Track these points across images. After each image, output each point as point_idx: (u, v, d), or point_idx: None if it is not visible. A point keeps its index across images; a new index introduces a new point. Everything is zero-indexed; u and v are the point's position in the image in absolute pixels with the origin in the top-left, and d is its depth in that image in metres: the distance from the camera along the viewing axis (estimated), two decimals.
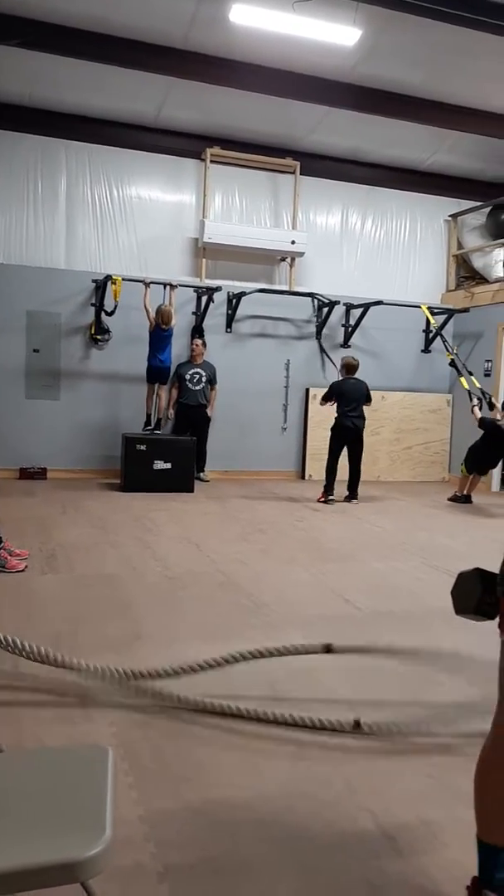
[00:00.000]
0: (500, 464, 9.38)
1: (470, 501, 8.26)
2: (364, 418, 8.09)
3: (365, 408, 8.11)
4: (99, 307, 8.73)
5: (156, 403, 8.66)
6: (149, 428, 8.61)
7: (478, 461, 8.23)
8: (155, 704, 2.85)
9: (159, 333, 8.41)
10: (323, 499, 7.94)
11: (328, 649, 3.14)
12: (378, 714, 2.79)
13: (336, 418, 8.05)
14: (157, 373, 8.53)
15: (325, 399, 8.12)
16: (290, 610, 4.15)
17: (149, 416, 8.63)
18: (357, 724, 2.71)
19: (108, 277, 8.46)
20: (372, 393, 8.25)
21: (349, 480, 8.06)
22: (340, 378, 8.24)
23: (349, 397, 7.98)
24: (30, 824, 1.36)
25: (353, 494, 8.04)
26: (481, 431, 8.11)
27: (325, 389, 8.28)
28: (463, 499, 8.29)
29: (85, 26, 6.89)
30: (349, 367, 8.17)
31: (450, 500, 8.38)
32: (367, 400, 8.10)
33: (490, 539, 6.10)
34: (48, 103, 8.53)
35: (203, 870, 1.93)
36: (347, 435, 7.99)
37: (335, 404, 8.03)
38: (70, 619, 3.81)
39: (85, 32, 6.95)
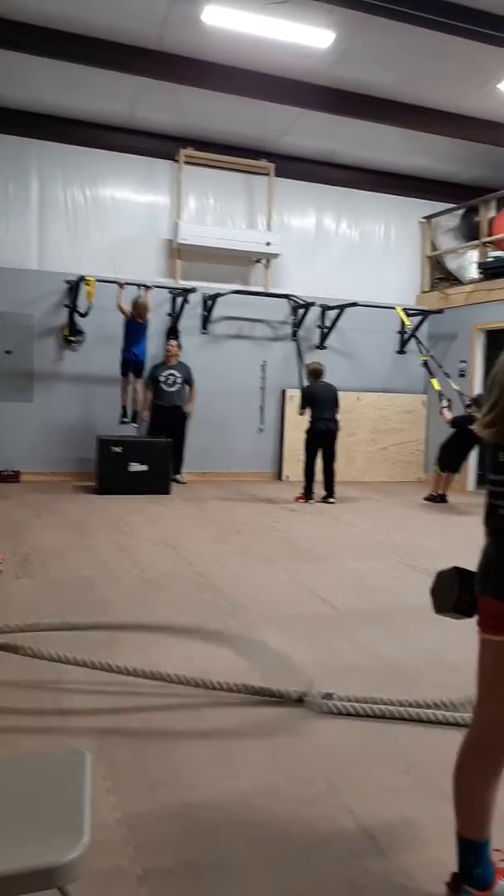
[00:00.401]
0: (476, 464, 9.48)
1: (445, 500, 8.33)
2: (337, 421, 8.13)
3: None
4: (72, 308, 8.67)
5: (132, 396, 8.57)
6: (125, 420, 8.53)
7: (449, 458, 8.32)
8: (135, 707, 2.83)
9: (134, 326, 8.34)
10: (302, 499, 7.98)
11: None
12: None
13: (310, 422, 8.08)
14: (131, 365, 8.46)
15: (303, 406, 8.14)
16: (268, 610, 4.14)
17: (124, 408, 8.55)
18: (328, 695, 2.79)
19: (82, 278, 8.40)
20: (348, 394, 8.30)
21: (325, 481, 8.09)
22: (308, 383, 8.27)
23: (322, 401, 8.04)
24: (6, 830, 1.34)
25: (329, 493, 8.07)
26: (452, 430, 8.21)
27: (299, 394, 8.30)
28: (438, 498, 8.35)
29: (56, 25, 6.84)
30: (316, 373, 8.24)
31: (426, 499, 8.44)
32: (337, 405, 8.15)
33: (466, 538, 6.14)
34: (20, 103, 8.45)
35: (182, 872, 1.91)
36: (322, 438, 8.04)
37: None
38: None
39: (56, 32, 6.90)
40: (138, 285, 8.56)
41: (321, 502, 7.98)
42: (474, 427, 1.71)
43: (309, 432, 8.09)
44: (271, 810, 2.20)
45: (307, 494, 8.02)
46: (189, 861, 1.95)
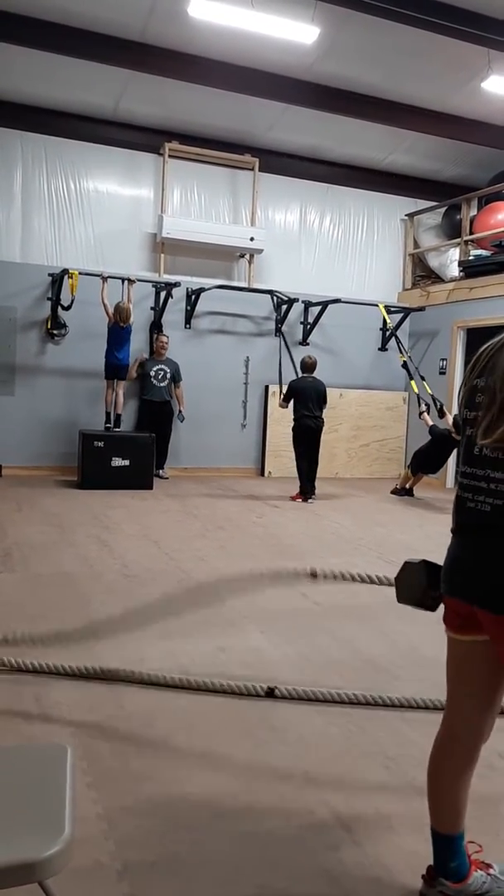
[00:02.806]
0: (455, 463, 9.55)
1: (411, 494, 8.44)
2: (322, 418, 8.09)
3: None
4: (55, 301, 8.62)
5: (115, 401, 8.51)
6: (109, 425, 8.49)
7: (423, 464, 8.41)
8: (116, 702, 2.84)
9: (117, 331, 8.30)
10: (300, 499, 7.90)
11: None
12: (336, 707, 2.83)
13: (295, 419, 8.03)
14: (114, 370, 8.42)
15: (286, 399, 8.05)
16: (249, 606, 4.16)
17: (108, 414, 8.50)
18: (271, 691, 2.82)
19: (65, 271, 8.35)
20: (331, 390, 8.29)
21: (307, 476, 8.10)
22: (297, 377, 8.26)
23: (306, 396, 7.95)
24: None
25: (310, 489, 8.07)
26: (430, 438, 8.29)
27: (284, 388, 8.29)
28: (403, 492, 8.46)
29: (41, 15, 6.80)
30: (304, 366, 8.17)
31: (392, 492, 8.53)
32: (323, 402, 8.04)
33: (444, 534, 6.17)
34: (3, 94, 8.37)
35: (163, 867, 1.93)
36: (307, 434, 7.97)
37: (293, 402, 8.04)
38: (27, 618, 3.76)
39: (41, 22, 6.85)
40: (122, 279, 8.52)
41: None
42: (476, 438, 1.69)
43: (294, 429, 8.07)
44: (251, 804, 2.22)
45: (304, 494, 7.90)
46: (169, 855, 1.97)
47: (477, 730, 1.79)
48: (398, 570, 1.91)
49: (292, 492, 8.03)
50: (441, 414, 8.55)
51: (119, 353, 8.35)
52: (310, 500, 7.88)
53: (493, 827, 2.12)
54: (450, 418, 8.32)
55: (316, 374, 8.23)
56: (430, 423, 8.28)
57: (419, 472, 8.47)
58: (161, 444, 8.70)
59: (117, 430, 8.53)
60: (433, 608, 1.82)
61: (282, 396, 8.15)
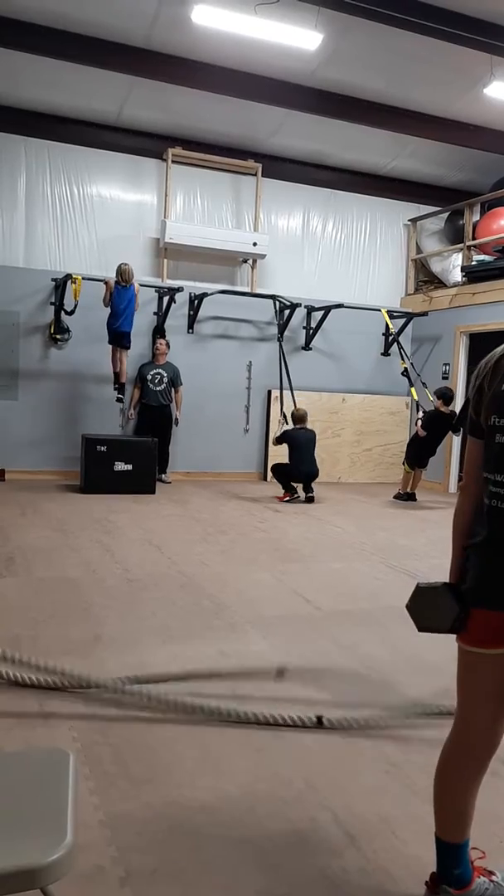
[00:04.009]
0: (458, 467, 9.56)
1: (414, 499, 8.42)
2: (316, 465, 8.22)
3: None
4: (58, 306, 8.65)
5: (120, 369, 8.46)
6: (116, 385, 8.49)
7: (417, 454, 8.45)
8: (118, 708, 2.84)
9: (119, 292, 8.17)
10: (288, 498, 7.99)
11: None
12: (338, 712, 2.82)
13: (291, 463, 8.14)
14: (113, 336, 8.31)
15: (278, 442, 8.28)
16: (251, 611, 4.16)
17: (116, 374, 8.46)
18: (319, 721, 2.74)
19: (68, 276, 8.37)
20: (333, 395, 8.33)
21: (304, 484, 8.14)
22: (291, 427, 8.34)
23: (302, 445, 8.10)
24: None
25: (309, 490, 8.11)
26: (424, 433, 8.40)
27: (285, 396, 8.34)
28: (405, 496, 8.45)
29: (45, 22, 6.82)
30: (298, 418, 8.31)
31: (394, 497, 8.53)
32: (314, 447, 8.24)
33: (446, 538, 6.18)
34: (7, 100, 8.41)
35: (165, 873, 1.93)
36: (301, 476, 8.11)
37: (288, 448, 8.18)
38: (29, 622, 3.77)
39: (45, 28, 6.88)
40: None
41: (304, 503, 8.01)
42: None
43: (291, 469, 8.15)
44: (253, 810, 2.22)
45: (291, 492, 8.07)
46: (172, 862, 1.97)
47: (491, 741, 1.77)
48: (412, 598, 1.81)
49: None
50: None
51: (118, 319, 8.22)
52: (295, 497, 8.03)
53: (497, 834, 2.12)
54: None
55: (319, 378, 8.27)
56: (421, 429, 8.37)
57: (416, 466, 8.47)
58: (161, 449, 8.70)
59: (121, 397, 8.52)
60: (460, 631, 1.74)
61: (276, 438, 8.40)
